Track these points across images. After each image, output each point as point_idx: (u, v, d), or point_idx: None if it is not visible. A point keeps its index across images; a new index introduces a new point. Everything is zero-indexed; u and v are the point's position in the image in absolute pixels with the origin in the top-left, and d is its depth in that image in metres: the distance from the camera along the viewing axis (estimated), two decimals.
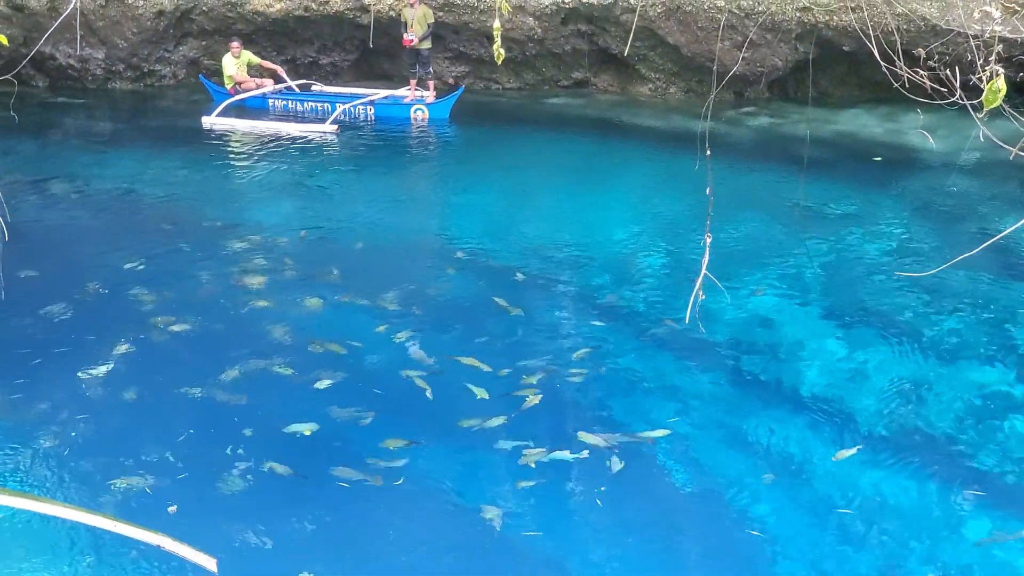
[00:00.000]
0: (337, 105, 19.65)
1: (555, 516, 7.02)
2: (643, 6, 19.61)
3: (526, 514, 6.99)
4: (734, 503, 7.14)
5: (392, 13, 20.69)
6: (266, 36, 21.95)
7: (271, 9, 21.06)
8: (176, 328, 9.75)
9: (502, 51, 7.58)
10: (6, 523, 6.63)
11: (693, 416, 8.28)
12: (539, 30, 20.84)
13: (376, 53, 22.18)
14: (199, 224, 13.22)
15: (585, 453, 7.62)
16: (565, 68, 22.30)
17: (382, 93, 20.37)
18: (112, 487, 7.18)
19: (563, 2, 20.19)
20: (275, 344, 9.51)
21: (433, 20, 19.35)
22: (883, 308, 10.51)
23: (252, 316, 10.14)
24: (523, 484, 7.27)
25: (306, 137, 18.17)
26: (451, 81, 22.58)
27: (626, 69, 21.97)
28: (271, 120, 19.47)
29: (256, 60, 20.41)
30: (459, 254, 12.19)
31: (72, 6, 9.12)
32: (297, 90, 20.70)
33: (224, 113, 19.23)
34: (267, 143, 17.79)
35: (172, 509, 6.98)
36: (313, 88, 21.23)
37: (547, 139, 18.30)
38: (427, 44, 19.51)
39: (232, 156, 17.16)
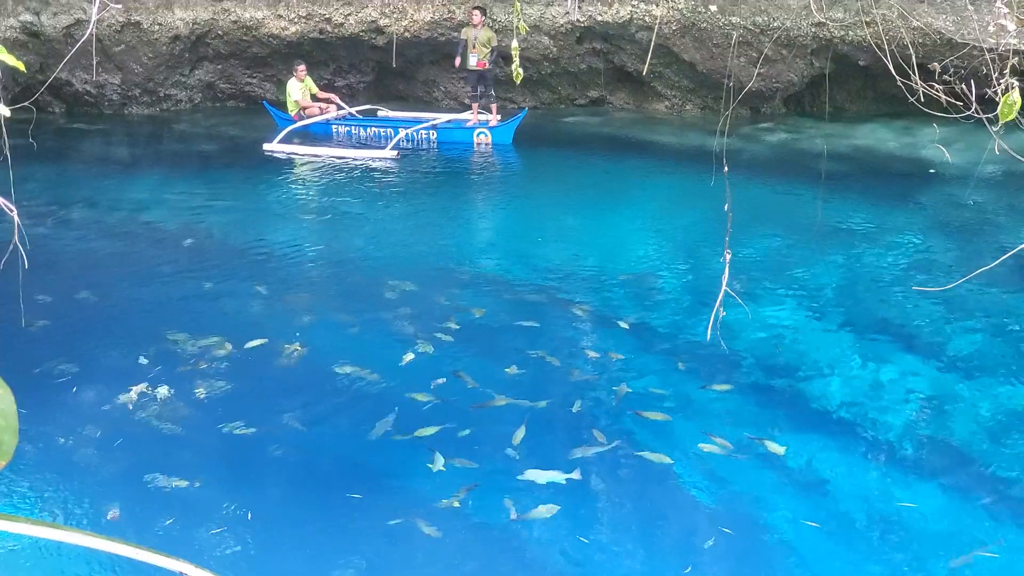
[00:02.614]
0: (399, 130, 19.43)
1: (581, 531, 6.97)
2: (658, 24, 19.64)
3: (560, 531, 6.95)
4: (755, 517, 7.09)
5: (407, 34, 20.79)
6: (282, 59, 22.06)
7: (286, 32, 21.18)
8: (202, 358, 9.73)
9: (520, 71, 7.59)
10: (17, 550, 6.63)
11: (714, 431, 8.22)
12: (554, 49, 20.92)
13: (392, 74, 22.27)
14: (222, 250, 13.21)
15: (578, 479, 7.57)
16: (581, 86, 22.36)
17: (445, 117, 20.16)
18: (141, 516, 7.16)
19: (578, 21, 20.26)
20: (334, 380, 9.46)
21: (496, 43, 19.01)
22: (902, 322, 10.45)
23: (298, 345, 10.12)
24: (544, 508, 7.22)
25: (365, 163, 18.00)
26: (466, 101, 22.65)
27: (642, 87, 22.00)
28: (331, 146, 19.26)
29: (315, 88, 20.29)
30: (488, 275, 12.18)
31: (88, 32, 9.12)
32: (358, 115, 20.55)
33: (286, 139, 19.04)
34: (315, 169, 17.75)
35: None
36: (378, 113, 21.05)
37: (596, 161, 18.26)
38: (491, 67, 19.23)
39: (263, 181, 17.07)
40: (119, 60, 21.31)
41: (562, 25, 20.39)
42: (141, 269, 12.32)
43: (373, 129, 20.04)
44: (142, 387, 8.90)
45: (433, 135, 19.58)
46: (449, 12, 20.57)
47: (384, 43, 20.85)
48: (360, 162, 18.07)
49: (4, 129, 7.02)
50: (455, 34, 20.80)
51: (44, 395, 8.77)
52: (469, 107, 20.54)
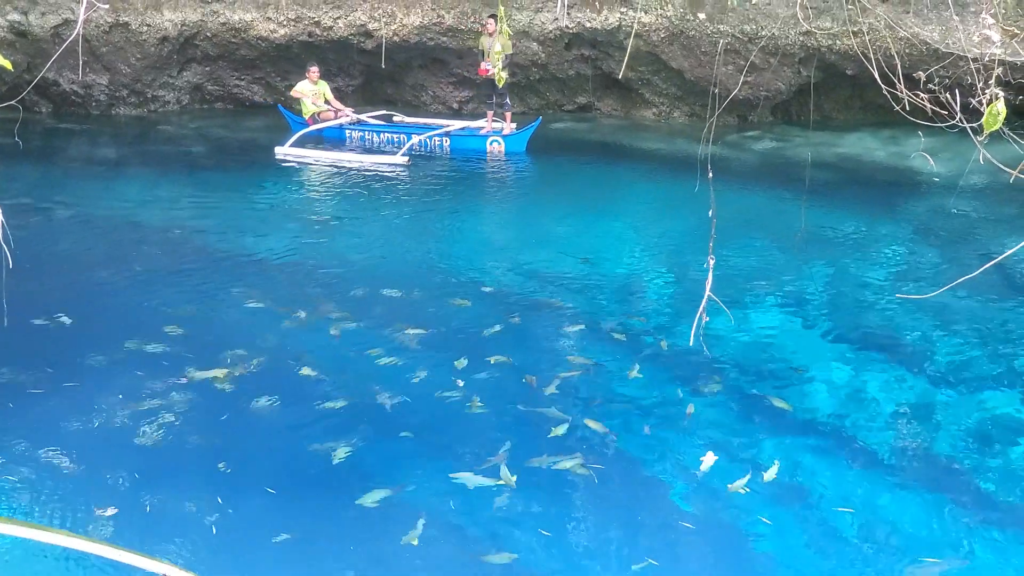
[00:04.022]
0: (413, 136, 19.31)
1: (548, 533, 6.98)
2: (646, 31, 19.68)
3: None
4: (737, 524, 7.10)
5: (396, 38, 20.79)
6: (270, 62, 22.05)
7: (275, 35, 21.16)
8: (188, 364, 9.72)
9: (503, 75, 7.62)
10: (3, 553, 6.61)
11: (696, 438, 8.23)
12: (543, 55, 20.95)
13: (380, 78, 22.27)
14: (209, 254, 13.16)
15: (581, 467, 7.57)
16: (569, 92, 22.39)
17: (458, 124, 20.06)
18: (127, 516, 7.13)
19: (567, 27, 20.29)
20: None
21: (511, 51, 18.76)
22: (886, 330, 10.49)
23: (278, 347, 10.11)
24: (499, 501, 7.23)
25: (373, 169, 17.85)
26: (455, 106, 22.67)
27: (630, 93, 22.05)
28: (341, 151, 19.16)
29: (330, 96, 20.21)
30: (477, 284, 12.18)
31: (76, 32, 9.11)
32: (372, 121, 20.43)
33: (298, 143, 18.95)
34: (314, 173, 17.67)
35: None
36: (393, 119, 20.94)
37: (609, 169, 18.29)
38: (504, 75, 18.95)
39: (254, 184, 16.94)
40: (107, 60, 21.26)
41: (551, 31, 20.43)
42: (126, 271, 12.25)
43: (387, 135, 19.88)
44: (122, 390, 8.89)
45: (446, 142, 19.47)
46: (438, 17, 20.59)
47: (373, 47, 20.84)
48: (369, 168, 17.98)
49: None
50: (444, 39, 20.83)
51: (22, 394, 8.75)
52: (457, 111, 20.45)
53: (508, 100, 19.46)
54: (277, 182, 17.29)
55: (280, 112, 20.63)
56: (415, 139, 19.15)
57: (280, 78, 22.42)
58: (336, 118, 19.99)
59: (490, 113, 19.59)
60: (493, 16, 18.77)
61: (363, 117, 20.33)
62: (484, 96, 19.83)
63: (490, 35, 18.58)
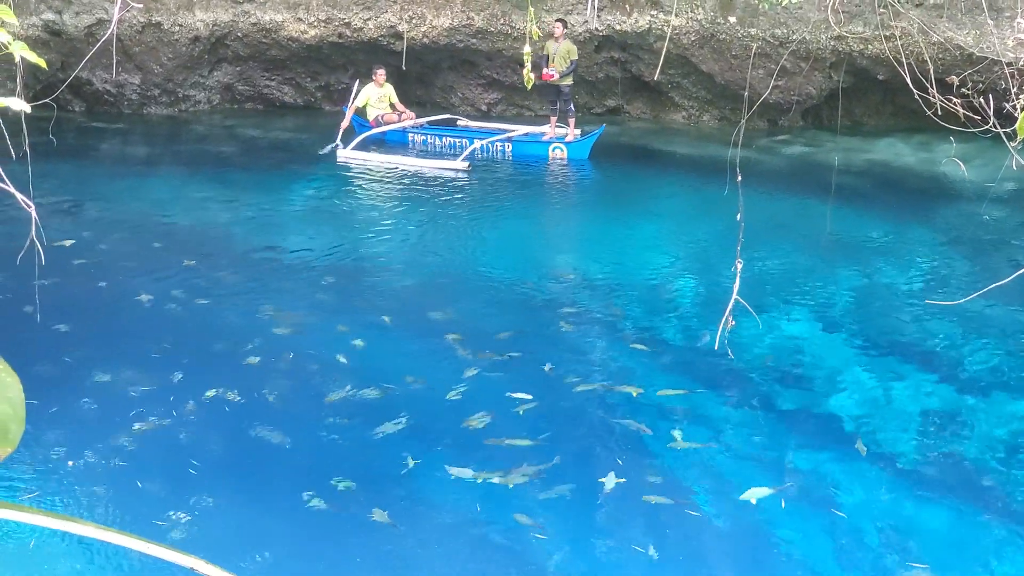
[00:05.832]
0: (475, 140, 19.11)
1: (581, 535, 6.97)
2: (677, 34, 19.62)
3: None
4: (762, 531, 7.07)
5: (425, 40, 20.82)
6: (300, 63, 22.12)
7: (305, 35, 21.22)
8: (218, 363, 9.75)
9: (531, 76, 7.61)
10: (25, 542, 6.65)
11: (719, 442, 8.20)
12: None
13: (410, 80, 22.29)
14: (238, 251, 13.22)
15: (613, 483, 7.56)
16: (598, 95, 22.35)
17: (522, 130, 19.83)
18: (156, 512, 7.18)
19: (596, 30, 20.26)
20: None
21: (577, 56, 18.71)
22: (914, 336, 10.42)
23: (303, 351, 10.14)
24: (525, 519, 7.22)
25: (430, 174, 17.68)
26: (484, 108, 22.67)
27: (659, 96, 22.00)
28: (404, 155, 19.01)
29: (395, 99, 20.15)
30: (505, 283, 12.19)
31: (109, 32, 9.16)
32: (435, 125, 20.33)
33: (361, 146, 18.90)
34: (372, 177, 17.58)
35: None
36: (457, 123, 20.87)
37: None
38: (568, 80, 18.80)
39: (286, 186, 16.96)
40: (139, 60, 21.39)
41: (580, 34, 20.39)
42: (158, 270, 12.26)
43: (449, 139, 19.75)
44: (150, 387, 8.95)
45: (508, 148, 19.26)
46: (468, 19, 20.60)
47: (402, 48, 20.87)
48: (426, 172, 17.84)
49: (24, 126, 7.07)
50: (474, 41, 20.83)
51: (54, 389, 8.80)
52: (487, 113, 20.32)
53: (572, 107, 19.25)
54: (326, 183, 17.24)
55: (346, 116, 20.34)
56: (476, 144, 18.95)
57: (310, 79, 22.50)
58: (399, 121, 19.98)
59: (553, 119, 19.40)
60: (560, 20, 18.67)
61: (425, 120, 20.29)
62: (548, 101, 19.72)
63: (556, 40, 18.46)
